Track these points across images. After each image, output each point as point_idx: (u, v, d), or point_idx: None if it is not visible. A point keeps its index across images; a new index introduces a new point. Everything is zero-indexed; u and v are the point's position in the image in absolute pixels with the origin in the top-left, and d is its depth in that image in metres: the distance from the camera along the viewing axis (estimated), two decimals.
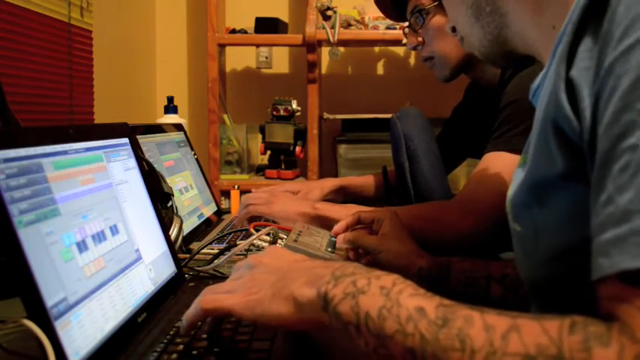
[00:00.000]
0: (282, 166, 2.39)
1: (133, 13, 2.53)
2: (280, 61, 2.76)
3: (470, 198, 1.07)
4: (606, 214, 0.41)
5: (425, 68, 1.35)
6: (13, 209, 0.50)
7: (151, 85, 2.73)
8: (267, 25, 2.42)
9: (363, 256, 0.96)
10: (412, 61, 2.72)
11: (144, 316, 0.68)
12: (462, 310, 0.44)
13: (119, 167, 0.77)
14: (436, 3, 1.23)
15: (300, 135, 2.32)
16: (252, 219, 1.20)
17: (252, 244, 0.98)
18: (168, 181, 1.04)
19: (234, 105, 2.66)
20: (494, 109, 1.14)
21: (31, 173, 0.55)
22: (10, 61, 1.59)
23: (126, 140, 0.82)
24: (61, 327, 0.51)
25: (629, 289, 0.39)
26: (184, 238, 1.05)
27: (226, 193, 2.32)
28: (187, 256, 0.99)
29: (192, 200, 1.31)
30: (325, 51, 2.53)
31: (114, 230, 0.68)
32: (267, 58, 2.71)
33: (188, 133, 1.49)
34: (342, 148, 2.34)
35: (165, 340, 0.63)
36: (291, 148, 2.32)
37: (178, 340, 0.62)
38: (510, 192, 0.60)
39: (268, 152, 2.36)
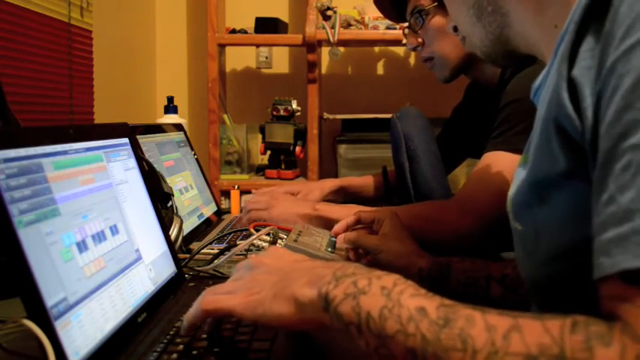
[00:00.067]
0: (282, 166, 2.39)
1: (133, 13, 2.53)
2: (280, 61, 2.76)
3: (469, 197, 1.07)
4: (608, 214, 0.41)
5: (425, 68, 1.35)
6: (13, 209, 0.50)
7: (151, 85, 2.73)
8: (267, 25, 2.42)
9: (363, 256, 0.96)
10: (412, 61, 2.72)
11: (144, 316, 0.68)
12: (464, 310, 0.43)
13: (119, 167, 0.76)
14: (436, 4, 1.23)
15: (300, 135, 2.32)
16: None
17: (252, 244, 0.98)
18: (168, 181, 1.04)
19: (234, 105, 2.66)
20: (494, 109, 1.14)
21: (31, 173, 0.55)
22: (10, 61, 1.59)
23: (126, 140, 0.82)
24: (61, 327, 0.51)
25: (630, 288, 0.39)
26: (184, 238, 1.05)
27: (226, 193, 2.32)
28: (187, 256, 0.99)
29: (192, 200, 1.31)
30: (325, 51, 2.53)
31: (114, 230, 0.68)
32: (267, 58, 2.71)
33: (188, 133, 1.49)
34: (342, 148, 2.34)
35: (165, 340, 0.63)
36: (291, 148, 2.32)
37: (178, 340, 0.62)
38: (511, 191, 0.60)
39: (268, 152, 2.36)
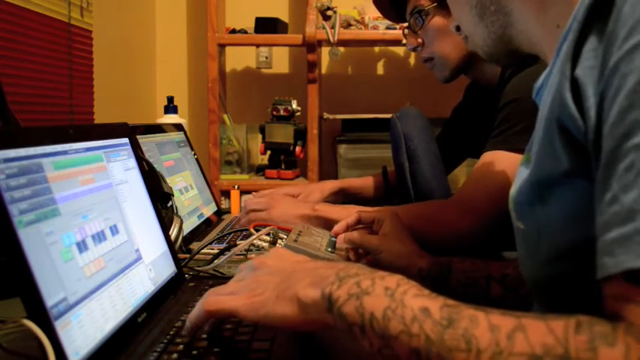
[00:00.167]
0: (282, 166, 2.39)
1: (133, 13, 2.53)
2: (280, 61, 2.76)
3: (469, 197, 1.07)
4: (611, 213, 0.41)
5: (425, 68, 1.35)
6: (13, 209, 0.50)
7: (151, 85, 2.73)
8: (267, 25, 2.42)
9: (363, 256, 0.95)
10: (412, 61, 2.72)
11: (144, 316, 0.68)
12: (467, 311, 0.43)
13: (119, 167, 0.76)
14: (435, 4, 1.23)
15: (300, 135, 2.32)
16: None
17: (252, 244, 0.98)
18: (168, 181, 1.04)
19: (234, 105, 2.66)
20: (494, 109, 1.14)
21: (31, 173, 0.55)
22: (10, 61, 1.59)
23: (126, 140, 0.82)
24: (61, 327, 0.51)
25: (634, 288, 0.39)
26: (184, 238, 1.05)
27: (226, 193, 2.32)
28: (187, 256, 0.99)
29: (192, 200, 1.30)
30: (325, 51, 2.53)
31: (114, 230, 0.68)
32: (267, 58, 2.71)
33: (188, 133, 1.48)
34: (342, 148, 2.34)
35: (165, 340, 0.62)
36: (291, 148, 2.32)
37: (178, 340, 0.62)
38: (513, 190, 0.60)
39: (268, 152, 2.36)
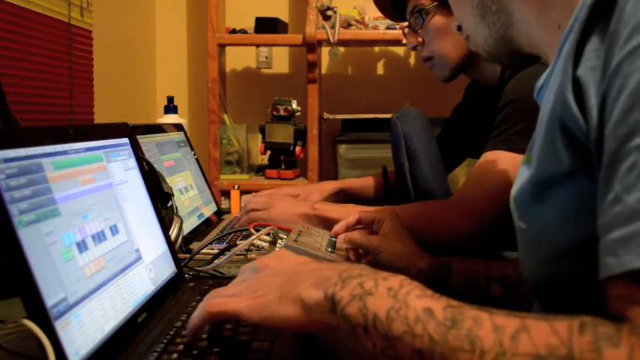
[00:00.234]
0: (282, 166, 2.39)
1: (133, 13, 2.52)
2: (280, 61, 2.76)
3: (468, 197, 1.07)
4: (613, 214, 0.41)
5: (425, 68, 1.35)
6: (13, 209, 0.50)
7: (151, 85, 2.73)
8: (267, 25, 2.42)
9: (364, 256, 0.95)
10: (412, 61, 2.72)
11: (144, 316, 0.68)
12: (471, 311, 0.43)
13: (119, 167, 0.76)
14: (436, 3, 1.23)
15: (300, 135, 2.32)
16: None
17: (252, 244, 0.97)
18: (168, 181, 1.04)
19: (234, 105, 2.66)
20: (494, 109, 1.14)
21: (31, 173, 0.55)
22: (10, 61, 1.59)
23: (126, 140, 0.82)
24: (61, 327, 0.51)
25: (637, 288, 0.39)
26: (184, 238, 1.05)
27: (226, 193, 2.32)
28: (187, 256, 0.99)
29: (192, 200, 1.30)
30: (325, 51, 2.53)
31: (114, 230, 0.68)
32: (267, 58, 2.71)
33: (188, 133, 1.48)
34: (342, 148, 2.34)
35: (165, 340, 0.62)
36: (291, 148, 2.32)
37: (178, 340, 0.62)
38: (514, 190, 0.60)
39: (268, 152, 2.37)
